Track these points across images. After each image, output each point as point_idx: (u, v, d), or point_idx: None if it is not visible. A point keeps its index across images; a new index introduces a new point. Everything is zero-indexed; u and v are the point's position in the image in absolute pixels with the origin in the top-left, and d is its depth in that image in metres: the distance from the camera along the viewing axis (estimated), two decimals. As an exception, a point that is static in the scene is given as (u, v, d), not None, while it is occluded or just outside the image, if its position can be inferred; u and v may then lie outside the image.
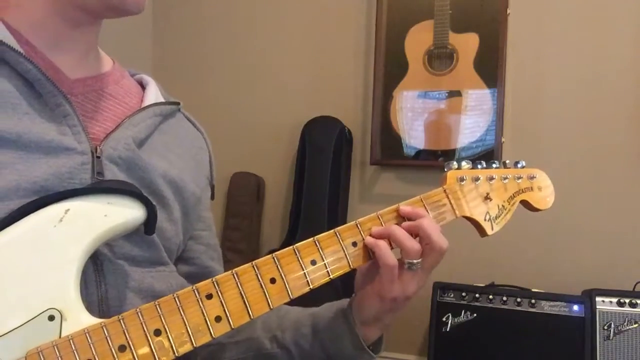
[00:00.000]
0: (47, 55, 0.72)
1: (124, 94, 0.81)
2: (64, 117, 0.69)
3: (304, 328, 0.84)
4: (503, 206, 0.87)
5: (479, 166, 0.88)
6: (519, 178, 0.90)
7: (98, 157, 0.70)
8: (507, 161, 0.91)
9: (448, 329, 1.85)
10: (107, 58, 0.84)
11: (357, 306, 0.80)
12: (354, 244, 0.75)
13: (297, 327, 0.85)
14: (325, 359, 0.82)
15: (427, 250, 0.76)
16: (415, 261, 0.75)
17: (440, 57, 2.17)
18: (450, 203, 0.83)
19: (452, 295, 1.87)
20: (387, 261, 0.74)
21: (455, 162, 0.86)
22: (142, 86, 0.87)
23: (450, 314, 1.86)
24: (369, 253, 0.76)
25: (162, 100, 0.85)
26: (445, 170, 0.86)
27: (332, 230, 0.75)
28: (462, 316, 1.85)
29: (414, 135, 2.21)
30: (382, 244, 0.75)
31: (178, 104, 0.87)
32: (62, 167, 0.67)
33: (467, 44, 2.14)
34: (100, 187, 0.66)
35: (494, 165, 0.89)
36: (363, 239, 0.76)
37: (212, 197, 0.92)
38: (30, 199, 0.64)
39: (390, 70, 2.23)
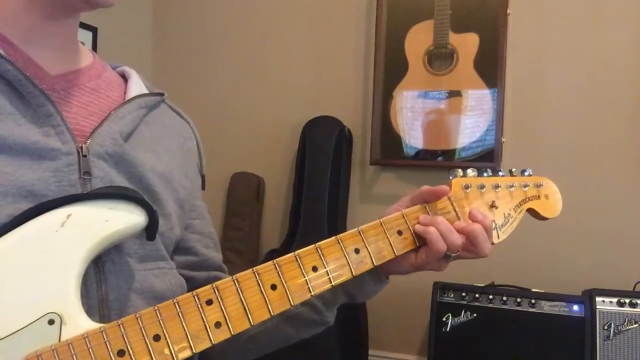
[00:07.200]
0: (25, 51, 0.70)
1: (107, 87, 0.79)
2: (47, 117, 0.67)
3: None
4: (509, 214, 0.86)
5: (485, 174, 0.87)
6: (525, 186, 0.89)
7: (84, 156, 0.68)
8: (514, 169, 0.90)
9: (448, 329, 1.86)
10: (87, 51, 0.82)
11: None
12: (356, 251, 0.75)
13: None
14: (348, 300, 0.87)
15: (470, 249, 0.81)
16: (453, 254, 0.79)
17: (440, 57, 2.17)
18: (455, 211, 0.83)
19: (452, 295, 1.88)
20: (438, 246, 0.78)
21: (460, 170, 0.85)
22: (125, 78, 0.85)
23: (450, 314, 1.86)
24: (372, 260, 0.76)
25: (146, 91, 0.83)
26: (450, 177, 0.85)
27: (334, 237, 0.75)
28: (462, 316, 1.85)
29: (414, 135, 2.21)
30: (433, 230, 0.78)
31: (162, 94, 0.86)
32: (47, 170, 0.65)
33: (467, 44, 2.14)
34: (102, 193, 0.66)
35: (500, 173, 0.88)
36: (366, 246, 0.76)
37: (203, 187, 0.91)
38: (19, 204, 0.63)
39: (390, 70, 2.23)
